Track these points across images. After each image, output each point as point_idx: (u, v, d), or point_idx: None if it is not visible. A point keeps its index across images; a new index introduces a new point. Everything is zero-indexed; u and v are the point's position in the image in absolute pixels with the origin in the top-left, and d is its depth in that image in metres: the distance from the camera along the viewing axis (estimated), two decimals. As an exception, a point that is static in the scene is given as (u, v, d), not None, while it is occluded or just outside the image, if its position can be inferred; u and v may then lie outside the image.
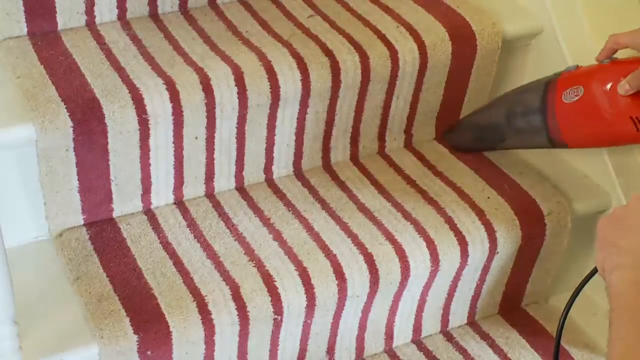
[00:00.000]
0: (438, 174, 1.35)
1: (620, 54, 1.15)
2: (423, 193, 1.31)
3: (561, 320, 1.01)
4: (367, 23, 1.35)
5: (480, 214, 1.27)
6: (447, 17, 1.36)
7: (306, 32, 1.32)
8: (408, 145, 1.41)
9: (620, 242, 0.87)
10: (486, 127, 1.36)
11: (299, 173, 1.34)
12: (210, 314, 1.12)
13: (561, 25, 1.37)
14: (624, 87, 1.11)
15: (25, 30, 1.27)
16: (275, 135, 1.29)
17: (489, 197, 1.30)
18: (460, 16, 1.37)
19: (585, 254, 1.35)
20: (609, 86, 1.12)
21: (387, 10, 1.38)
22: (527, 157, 1.40)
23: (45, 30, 1.28)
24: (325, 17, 1.36)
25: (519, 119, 1.27)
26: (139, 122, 1.18)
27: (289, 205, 1.28)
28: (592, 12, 1.24)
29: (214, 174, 1.29)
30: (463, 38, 1.34)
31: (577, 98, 1.16)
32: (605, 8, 1.28)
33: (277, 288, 1.15)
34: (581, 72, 1.18)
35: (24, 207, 1.20)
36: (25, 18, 1.26)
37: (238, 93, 1.22)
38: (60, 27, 1.29)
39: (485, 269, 1.29)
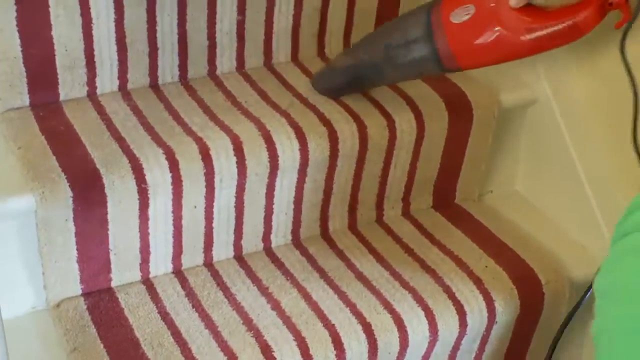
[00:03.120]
0: (436, 242, 1.36)
1: None
2: (421, 261, 1.32)
3: None
4: (364, 93, 1.37)
5: (478, 282, 1.27)
6: (443, 87, 1.38)
7: (304, 101, 1.34)
8: (406, 213, 1.42)
9: None
10: (364, 65, 1.30)
11: (297, 242, 1.35)
12: (208, 385, 1.11)
13: (555, 95, 1.39)
14: None
15: (27, 102, 1.29)
16: (273, 204, 1.30)
17: (486, 266, 1.31)
18: (457, 86, 1.39)
19: (583, 327, 1.35)
20: (501, 0, 1.13)
21: (384, 80, 1.40)
22: (524, 226, 1.41)
23: (47, 101, 1.30)
24: (323, 87, 1.38)
25: (402, 51, 1.23)
26: (138, 192, 1.19)
27: (287, 274, 1.28)
28: (585, 83, 1.26)
29: (213, 243, 1.29)
30: (459, 108, 1.36)
31: (468, 16, 1.15)
32: (600, 80, 1.30)
33: (275, 358, 1.15)
34: None
35: (22, 277, 1.20)
36: (28, 90, 1.28)
37: (237, 162, 1.23)
38: (62, 97, 1.31)
39: (484, 339, 1.28)
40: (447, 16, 1.17)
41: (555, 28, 1.13)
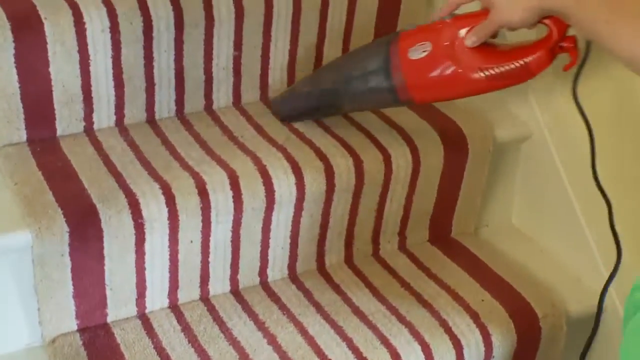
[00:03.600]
0: (432, 276, 1.36)
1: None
2: (417, 296, 1.32)
3: None
4: (360, 127, 1.38)
5: (475, 316, 1.27)
6: (439, 122, 1.39)
7: (300, 136, 1.35)
8: (402, 247, 1.42)
9: None
10: (323, 93, 1.34)
11: (293, 276, 1.35)
12: (204, 421, 1.10)
13: (549, 130, 1.40)
14: (472, 39, 1.16)
15: (24, 137, 1.29)
16: (270, 238, 1.30)
17: (483, 300, 1.31)
18: (452, 121, 1.40)
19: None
20: (456, 40, 1.17)
21: (380, 115, 1.41)
22: (520, 259, 1.41)
23: (44, 136, 1.30)
24: (319, 122, 1.39)
25: (360, 82, 1.27)
26: (134, 227, 1.19)
27: (283, 308, 1.28)
28: (579, 118, 1.27)
29: (209, 277, 1.29)
30: (455, 142, 1.37)
31: (425, 54, 1.19)
32: (597, 114, 1.31)
33: (272, 394, 1.14)
34: (424, 28, 1.21)
35: (17, 313, 1.20)
36: (25, 125, 1.29)
37: (233, 197, 1.24)
38: (59, 133, 1.32)
39: (482, 373, 1.28)
40: (404, 52, 1.21)
41: (507, 68, 1.16)
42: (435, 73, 1.20)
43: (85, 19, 1.26)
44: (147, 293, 1.25)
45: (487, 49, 1.17)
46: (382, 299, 1.30)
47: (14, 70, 1.25)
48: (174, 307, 1.28)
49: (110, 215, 1.17)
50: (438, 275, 1.36)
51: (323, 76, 1.36)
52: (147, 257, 1.22)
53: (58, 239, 1.15)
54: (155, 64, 1.33)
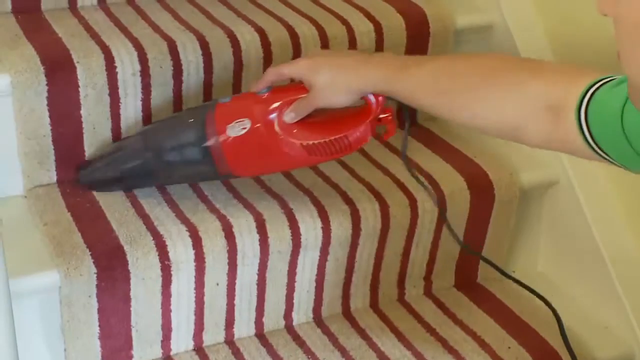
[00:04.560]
0: (458, 322, 1.35)
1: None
2: (443, 341, 1.31)
3: None
4: (386, 172, 1.38)
5: (501, 364, 1.26)
6: (465, 166, 1.39)
7: (327, 180, 1.36)
8: (428, 292, 1.41)
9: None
10: (133, 166, 1.27)
11: (318, 320, 1.34)
12: None
13: (576, 175, 1.39)
14: (290, 115, 1.15)
15: (55, 178, 1.31)
16: (295, 281, 1.30)
17: (509, 347, 1.29)
18: (478, 166, 1.40)
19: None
20: (274, 116, 1.16)
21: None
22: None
23: (74, 178, 1.32)
24: (345, 166, 1.39)
25: (175, 155, 1.22)
26: (161, 269, 1.20)
27: (308, 352, 1.28)
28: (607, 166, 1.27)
29: (234, 320, 1.29)
30: (481, 187, 1.37)
31: (244, 131, 1.17)
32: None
33: None
34: (240, 103, 1.19)
35: (44, 354, 1.20)
36: (56, 167, 1.30)
37: (259, 240, 1.24)
38: (88, 174, 1.33)
39: (508, 421, 1.26)
40: (223, 130, 1.18)
41: (328, 143, 1.16)
42: (255, 150, 1.18)
43: (117, 62, 1.28)
44: (173, 335, 1.25)
45: (307, 123, 1.16)
46: (407, 344, 1.30)
47: (46, 113, 1.27)
48: (199, 350, 1.28)
49: (138, 256, 1.18)
50: (464, 321, 1.35)
51: (132, 146, 1.27)
52: (173, 299, 1.23)
53: (86, 280, 1.16)
54: (183, 106, 1.35)
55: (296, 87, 1.16)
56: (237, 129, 1.17)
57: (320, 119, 1.17)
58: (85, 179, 1.29)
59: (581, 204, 1.39)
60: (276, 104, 1.16)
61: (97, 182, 1.29)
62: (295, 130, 1.16)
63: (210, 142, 1.19)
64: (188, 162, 1.23)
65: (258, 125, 1.17)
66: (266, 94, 1.17)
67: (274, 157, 1.19)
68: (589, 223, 1.38)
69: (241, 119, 1.17)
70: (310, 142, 1.16)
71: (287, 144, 1.17)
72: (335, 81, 1.12)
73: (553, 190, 1.44)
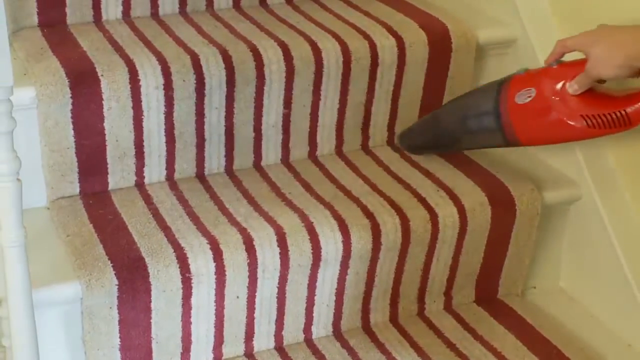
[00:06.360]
0: (478, 337, 1.34)
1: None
2: (463, 357, 1.30)
3: None
4: (407, 186, 1.38)
5: (521, 380, 1.25)
6: (486, 182, 1.39)
7: (348, 194, 1.36)
8: (448, 307, 1.41)
9: None
10: (441, 131, 1.43)
11: (338, 334, 1.34)
12: None
13: (599, 192, 1.39)
14: (573, 87, 1.19)
15: (77, 190, 1.32)
16: (315, 295, 1.30)
17: (530, 364, 1.29)
18: (499, 181, 1.39)
19: None
20: (559, 87, 1.21)
21: (427, 174, 1.41)
22: (568, 323, 1.39)
23: (97, 190, 1.33)
24: (366, 180, 1.39)
25: (473, 122, 1.34)
26: (182, 281, 1.20)
27: (327, 366, 1.28)
28: (630, 178, 1.26)
29: (254, 333, 1.29)
30: (502, 203, 1.37)
31: (529, 99, 1.24)
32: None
33: None
34: (532, 74, 1.26)
35: (65, 364, 1.22)
36: (79, 179, 1.32)
37: (280, 253, 1.24)
38: (110, 187, 1.34)
39: None
40: (512, 97, 1.26)
41: (608, 117, 1.18)
42: (538, 118, 1.24)
43: (140, 76, 1.30)
44: (192, 347, 1.26)
45: (590, 95, 1.20)
46: (427, 359, 1.29)
47: (70, 125, 1.28)
48: (219, 362, 1.28)
49: (159, 269, 1.19)
50: (484, 337, 1.34)
51: (441, 114, 1.44)
52: (193, 311, 1.23)
53: (107, 292, 1.17)
54: (206, 120, 1.36)
55: (584, 62, 1.19)
56: (523, 96, 1.24)
57: (602, 93, 1.21)
58: (404, 144, 1.48)
59: (604, 220, 1.38)
60: (562, 76, 1.21)
61: (415, 148, 1.47)
62: (577, 101, 1.20)
63: (501, 109, 1.27)
64: (484, 128, 1.32)
65: (543, 94, 1.22)
66: (556, 66, 1.22)
67: (555, 127, 1.23)
68: (612, 240, 1.37)
69: (529, 88, 1.24)
70: (591, 114, 1.19)
71: (569, 114, 1.21)
72: (611, 55, 1.14)
73: (576, 206, 1.43)
